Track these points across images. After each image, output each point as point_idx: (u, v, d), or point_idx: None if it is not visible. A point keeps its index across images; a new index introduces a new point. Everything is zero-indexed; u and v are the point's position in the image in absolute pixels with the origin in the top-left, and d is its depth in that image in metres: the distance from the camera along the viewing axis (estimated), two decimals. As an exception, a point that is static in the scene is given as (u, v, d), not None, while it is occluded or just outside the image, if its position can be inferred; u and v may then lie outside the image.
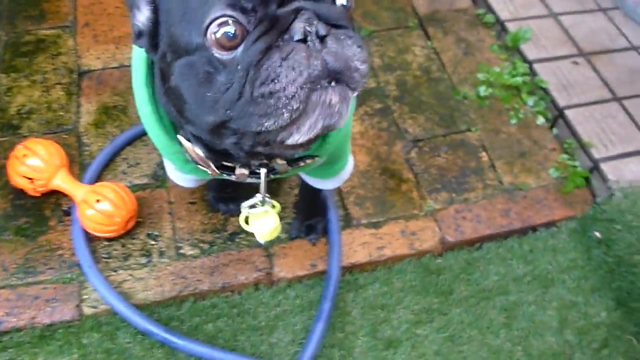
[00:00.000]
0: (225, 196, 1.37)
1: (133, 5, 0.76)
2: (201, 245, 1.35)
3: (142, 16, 0.76)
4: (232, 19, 0.66)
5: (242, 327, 1.25)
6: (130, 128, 1.50)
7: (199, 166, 0.89)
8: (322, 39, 0.66)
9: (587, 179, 1.50)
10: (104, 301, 1.23)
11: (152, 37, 0.76)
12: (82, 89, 1.61)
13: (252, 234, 1.00)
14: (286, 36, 0.66)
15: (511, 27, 1.77)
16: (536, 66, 1.69)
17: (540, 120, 1.62)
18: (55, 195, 1.38)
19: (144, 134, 1.50)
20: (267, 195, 0.96)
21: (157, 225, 1.37)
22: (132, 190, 1.35)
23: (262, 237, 0.99)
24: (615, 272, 1.36)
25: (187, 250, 1.34)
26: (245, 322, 1.26)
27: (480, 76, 1.69)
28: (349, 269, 1.34)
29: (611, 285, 1.36)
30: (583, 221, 1.44)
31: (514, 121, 1.61)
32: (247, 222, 0.98)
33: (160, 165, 1.47)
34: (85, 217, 1.26)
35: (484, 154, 1.56)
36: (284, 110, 0.66)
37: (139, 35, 0.77)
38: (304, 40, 0.65)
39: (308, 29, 0.66)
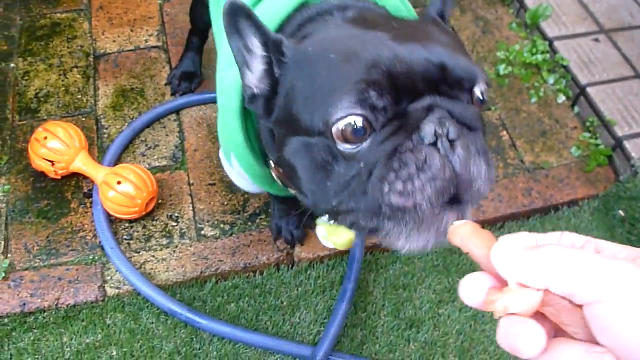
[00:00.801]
0: (289, 224, 1.30)
1: (243, 63, 0.71)
2: (222, 226, 1.35)
3: (254, 79, 0.71)
4: (362, 116, 0.59)
5: (264, 307, 1.26)
6: (148, 111, 1.49)
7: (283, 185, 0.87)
8: (451, 142, 0.58)
9: (609, 157, 1.48)
10: (127, 282, 1.24)
11: (266, 101, 0.72)
12: (98, 72, 1.61)
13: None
14: (415, 136, 0.59)
15: (530, 4, 1.74)
16: (556, 44, 1.66)
17: (561, 98, 1.60)
18: (75, 178, 1.39)
19: (162, 116, 1.50)
20: None
21: (177, 207, 1.37)
22: (151, 172, 1.35)
23: (342, 246, 0.97)
24: (639, 251, 1.34)
25: (208, 231, 1.34)
26: (267, 302, 1.26)
27: (500, 54, 1.66)
28: (369, 250, 1.33)
29: (635, 264, 1.35)
30: (606, 199, 1.42)
31: (534, 100, 1.59)
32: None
33: (179, 147, 1.47)
34: (106, 199, 1.26)
35: (504, 132, 1.54)
36: (406, 222, 0.59)
37: (251, 98, 0.72)
38: (434, 143, 0.58)
39: (439, 130, 0.58)
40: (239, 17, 0.65)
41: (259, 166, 0.87)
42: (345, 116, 0.59)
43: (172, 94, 1.56)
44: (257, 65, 0.70)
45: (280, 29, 0.79)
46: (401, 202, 0.58)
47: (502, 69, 1.63)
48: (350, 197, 0.63)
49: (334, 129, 0.60)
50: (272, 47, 0.68)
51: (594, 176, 1.47)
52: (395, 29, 0.65)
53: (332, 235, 1.02)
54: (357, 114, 0.59)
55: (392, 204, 0.59)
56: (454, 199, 0.59)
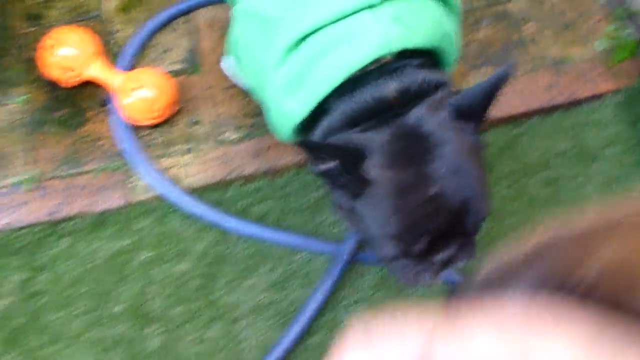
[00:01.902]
0: None
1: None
2: (242, 129, 1.34)
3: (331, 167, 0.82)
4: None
5: (288, 208, 1.28)
6: (159, 13, 1.44)
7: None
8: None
9: (635, 51, 1.44)
10: (152, 188, 1.25)
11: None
12: (102, -28, 1.53)
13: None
14: (430, 261, 0.83)
15: None
16: None
17: (587, -12, 1.52)
18: (90, 86, 1.36)
19: (174, 17, 1.45)
20: None
21: (196, 112, 1.36)
22: (167, 77, 1.33)
23: None
24: (661, 144, 1.34)
25: (229, 135, 1.33)
26: (291, 203, 1.28)
27: (524, -58, 1.57)
28: (390, 150, 1.33)
29: (655, 158, 1.35)
30: (629, 95, 1.40)
31: (558, -10, 1.52)
32: None
33: (193, 51, 1.43)
34: (124, 106, 1.24)
35: (527, 26, 1.49)
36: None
37: (323, 174, 0.84)
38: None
39: (445, 261, 0.84)
40: (313, 151, 0.83)
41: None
42: (393, 257, 0.84)
43: (180, -5, 1.50)
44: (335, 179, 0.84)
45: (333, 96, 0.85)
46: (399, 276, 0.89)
47: (525, -43, 1.54)
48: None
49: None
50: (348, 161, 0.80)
51: (619, 70, 1.44)
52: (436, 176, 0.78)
53: None
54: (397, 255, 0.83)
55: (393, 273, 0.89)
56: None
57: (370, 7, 0.81)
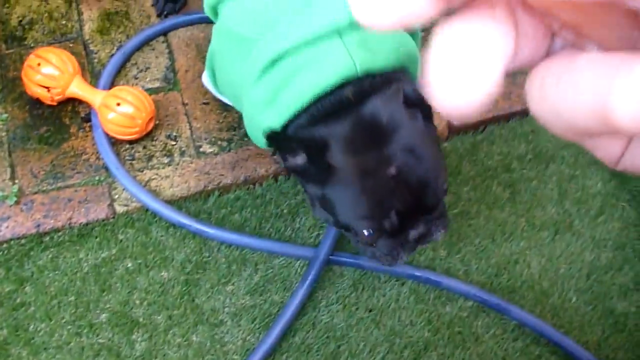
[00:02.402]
0: None
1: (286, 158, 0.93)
2: (219, 142, 1.40)
3: (299, 161, 0.91)
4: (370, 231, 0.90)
5: (266, 216, 1.34)
6: (137, 34, 1.50)
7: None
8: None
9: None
10: (135, 199, 1.30)
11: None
12: (80, -4, 1.59)
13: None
14: (404, 237, 0.91)
15: None
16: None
17: None
18: (71, 103, 1.41)
19: (151, 38, 1.51)
20: None
21: (174, 126, 1.42)
22: (146, 93, 1.39)
23: None
24: (611, 146, 1.44)
25: (207, 148, 1.40)
26: (269, 211, 1.35)
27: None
28: (361, 157, 1.41)
29: (607, 158, 1.45)
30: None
31: None
32: None
33: (170, 69, 1.49)
34: (107, 121, 1.30)
35: (485, 40, 1.59)
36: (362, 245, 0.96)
37: (299, 170, 0.92)
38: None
39: (419, 235, 0.91)
40: (279, 141, 0.93)
41: None
42: (364, 229, 0.90)
43: (158, 16, 1.56)
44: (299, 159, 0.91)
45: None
46: (378, 259, 0.96)
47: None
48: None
49: (353, 229, 0.92)
50: (314, 152, 0.88)
51: (570, 78, 1.55)
52: (396, 162, 0.85)
53: None
54: (371, 231, 0.90)
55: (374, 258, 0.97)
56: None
57: (339, 33, 0.90)
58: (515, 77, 1.38)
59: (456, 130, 1.46)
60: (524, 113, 1.50)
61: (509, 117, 1.49)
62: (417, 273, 1.28)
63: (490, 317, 1.28)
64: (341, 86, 0.90)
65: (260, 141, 1.02)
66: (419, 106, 0.89)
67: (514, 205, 1.39)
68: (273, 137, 0.93)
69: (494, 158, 1.45)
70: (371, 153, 0.86)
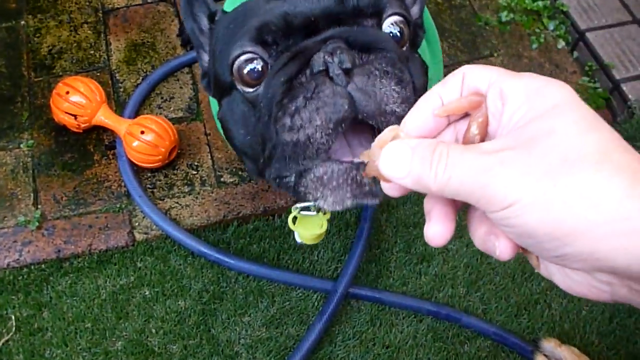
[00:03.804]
0: None
1: (199, 46, 0.79)
2: (240, 173, 1.41)
3: (206, 56, 0.79)
4: (254, 54, 0.62)
5: (285, 247, 1.34)
6: (163, 64, 1.54)
7: None
8: (347, 72, 0.57)
9: (607, 100, 1.55)
10: (155, 227, 1.31)
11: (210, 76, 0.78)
12: (109, 27, 1.63)
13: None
14: (307, 70, 0.58)
15: (530, -49, 1.77)
16: (556, -10, 1.70)
17: (561, 44, 1.65)
18: (95, 131, 1.44)
19: (176, 69, 1.54)
20: None
21: (196, 156, 1.43)
22: (170, 123, 1.41)
23: (305, 240, 0.93)
24: (634, 186, 1.43)
25: (227, 178, 1.41)
26: (287, 242, 1.34)
27: (501, 1, 1.71)
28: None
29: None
30: (603, 140, 1.50)
31: (535, 45, 1.65)
32: (294, 221, 0.92)
33: (194, 99, 1.52)
34: (131, 149, 1.32)
35: (506, 78, 1.60)
36: (300, 152, 0.59)
37: (203, 75, 0.81)
38: (327, 73, 0.57)
39: (329, 59, 0.57)
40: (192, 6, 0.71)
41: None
42: (240, 54, 0.62)
43: (183, 47, 1.60)
44: (206, 44, 0.77)
45: None
46: (292, 137, 0.57)
47: (504, 16, 1.68)
48: (264, 146, 0.62)
49: (236, 75, 0.63)
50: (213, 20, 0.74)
51: (592, 118, 1.54)
52: None
53: (299, 225, 0.92)
54: (249, 51, 0.61)
55: (286, 141, 0.58)
56: (366, 125, 0.58)
57: None
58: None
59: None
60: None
61: (530, 154, 1.49)
62: (437, 309, 1.26)
63: (509, 358, 1.25)
64: None
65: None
66: None
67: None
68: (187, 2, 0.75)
69: (514, 195, 1.43)
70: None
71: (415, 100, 0.43)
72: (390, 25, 0.62)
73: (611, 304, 1.31)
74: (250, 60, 0.62)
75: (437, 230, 0.42)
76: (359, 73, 0.57)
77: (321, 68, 0.57)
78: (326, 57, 0.57)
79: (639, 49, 1.59)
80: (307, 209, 0.88)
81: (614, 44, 1.59)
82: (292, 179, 0.63)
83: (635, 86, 1.51)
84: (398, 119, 0.56)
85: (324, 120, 0.56)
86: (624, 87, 1.51)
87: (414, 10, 0.74)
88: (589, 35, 1.61)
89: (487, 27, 1.68)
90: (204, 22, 0.75)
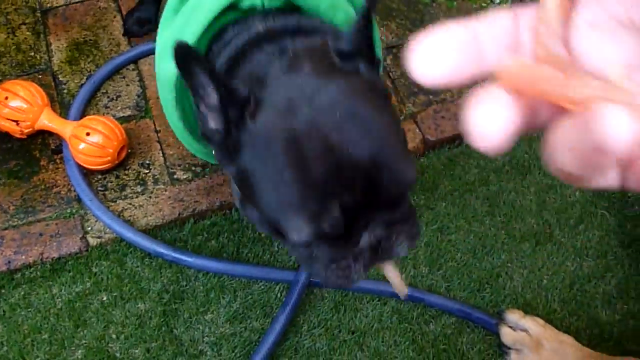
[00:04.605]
0: None
1: (199, 101, 0.69)
2: (193, 168, 1.38)
3: (215, 124, 0.70)
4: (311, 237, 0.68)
5: (244, 241, 1.32)
6: (107, 62, 1.49)
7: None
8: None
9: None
10: (108, 231, 1.28)
11: (222, 142, 0.72)
12: (48, 27, 1.58)
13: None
14: (354, 244, 0.70)
15: None
16: (501, -37, 1.70)
17: (508, 16, 1.65)
18: (40, 136, 1.39)
19: (121, 66, 1.50)
20: None
21: (147, 154, 1.40)
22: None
23: None
24: (587, 154, 1.44)
25: (181, 174, 1.38)
26: (246, 235, 1.33)
27: (448, -22, 1.70)
28: (338, 177, 1.40)
29: (583, 167, 1.46)
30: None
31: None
32: None
33: (141, 96, 1.48)
34: (78, 152, 1.28)
35: (456, 54, 1.60)
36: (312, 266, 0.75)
37: (210, 135, 0.72)
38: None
39: (375, 243, 0.70)
40: (189, 63, 0.63)
41: (200, 146, 0.95)
42: (300, 241, 0.68)
43: (124, 35, 1.55)
44: (213, 114, 0.69)
45: (208, 46, 0.80)
46: (331, 280, 0.73)
47: (450, -8, 1.67)
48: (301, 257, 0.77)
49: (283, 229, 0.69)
50: (231, 102, 0.67)
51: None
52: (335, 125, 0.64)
53: None
54: (308, 240, 0.68)
55: (325, 280, 0.74)
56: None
57: None
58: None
59: (432, 145, 1.45)
60: (499, 125, 1.50)
61: (484, 129, 1.49)
62: (399, 292, 1.26)
63: (475, 333, 1.26)
64: (249, 17, 0.77)
65: (168, 108, 0.88)
66: (359, 56, 0.69)
67: (493, 218, 1.39)
68: (182, 56, 0.61)
69: (471, 172, 1.44)
70: (299, 112, 0.64)
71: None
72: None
73: (571, 272, 1.33)
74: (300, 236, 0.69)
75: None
76: (386, 244, 0.72)
77: (368, 247, 0.70)
78: (374, 243, 0.70)
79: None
80: None
81: (560, 14, 1.60)
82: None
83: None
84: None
85: (356, 275, 0.72)
86: (572, 56, 1.52)
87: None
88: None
89: (433, 4, 1.67)
90: (209, 92, 0.67)
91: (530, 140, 1.49)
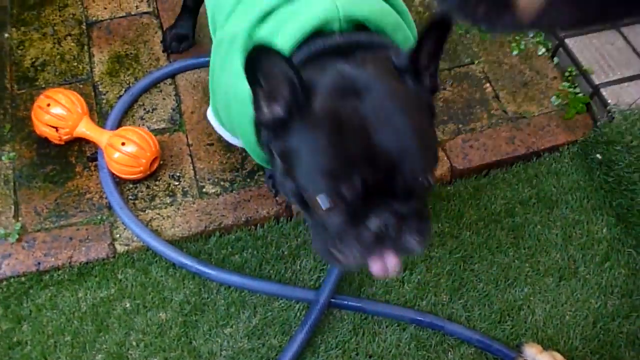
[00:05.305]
0: None
1: (262, 101, 0.83)
2: (222, 183, 1.41)
3: (275, 112, 0.83)
4: (330, 199, 0.78)
5: (267, 257, 1.33)
6: (145, 76, 1.54)
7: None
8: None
9: (587, 105, 1.56)
10: (136, 239, 1.30)
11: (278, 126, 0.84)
12: (92, 39, 1.64)
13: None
14: (363, 226, 0.78)
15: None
16: (536, -3, 1.71)
17: (541, 50, 1.66)
18: (77, 143, 1.44)
19: (159, 80, 1.55)
20: None
21: (178, 167, 1.43)
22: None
23: None
24: (616, 191, 1.43)
25: (209, 188, 1.40)
26: (269, 252, 1.34)
27: (482, 10, 1.71)
28: (364, 200, 1.41)
29: (612, 204, 1.44)
30: (584, 145, 1.51)
31: (515, 52, 1.66)
32: None
33: (176, 110, 1.52)
34: (112, 160, 1.31)
35: (487, 85, 1.61)
36: (335, 254, 0.82)
37: (262, 124, 0.87)
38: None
39: (383, 229, 0.78)
40: (267, 53, 0.74)
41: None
42: (320, 196, 0.78)
43: (164, 51, 1.60)
44: (277, 103, 0.82)
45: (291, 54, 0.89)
46: (333, 250, 0.82)
47: (484, 23, 1.68)
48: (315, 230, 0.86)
49: (312, 200, 0.80)
50: (300, 95, 0.79)
51: (573, 123, 1.55)
52: (373, 118, 0.77)
53: None
54: (327, 199, 0.78)
55: (333, 254, 0.82)
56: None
57: None
58: (518, 122, 1.38)
59: (459, 174, 1.46)
60: (527, 157, 1.50)
61: (513, 161, 1.49)
62: (420, 317, 1.25)
63: (493, 365, 1.25)
64: (329, 34, 0.88)
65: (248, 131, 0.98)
66: (409, 72, 0.82)
67: (517, 250, 1.38)
68: (256, 57, 0.75)
69: (497, 202, 1.44)
70: (350, 106, 0.78)
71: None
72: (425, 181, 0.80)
73: (595, 309, 1.31)
74: (324, 200, 0.79)
75: None
76: (395, 234, 0.80)
77: (376, 231, 0.78)
78: (382, 227, 0.78)
79: (617, 54, 1.60)
80: None
81: (593, 50, 1.60)
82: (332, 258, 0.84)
83: (615, 90, 1.52)
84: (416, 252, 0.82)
85: (364, 257, 0.81)
86: (604, 92, 1.51)
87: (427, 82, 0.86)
88: (568, 41, 1.62)
89: (467, 35, 1.69)
90: (282, 87, 0.80)
91: (557, 174, 1.48)
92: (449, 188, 1.45)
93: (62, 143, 1.41)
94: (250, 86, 0.81)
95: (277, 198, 1.38)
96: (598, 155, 1.46)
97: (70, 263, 1.29)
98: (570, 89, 1.58)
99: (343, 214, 0.79)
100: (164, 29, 1.65)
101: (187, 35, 1.60)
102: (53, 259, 1.29)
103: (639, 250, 1.39)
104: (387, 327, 1.27)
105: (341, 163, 0.76)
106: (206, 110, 1.35)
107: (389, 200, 0.78)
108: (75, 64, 1.59)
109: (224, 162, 1.45)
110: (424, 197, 0.83)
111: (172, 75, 1.57)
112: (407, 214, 0.79)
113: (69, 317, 1.24)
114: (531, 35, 1.68)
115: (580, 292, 1.33)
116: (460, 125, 1.53)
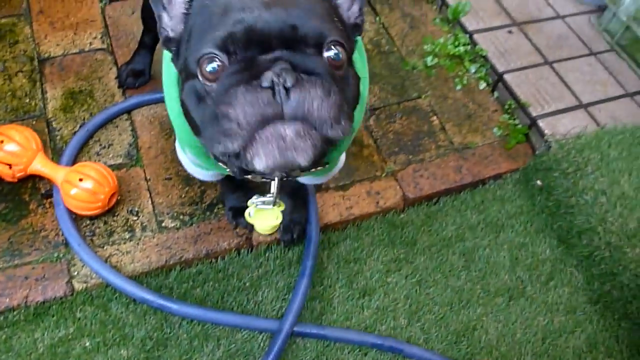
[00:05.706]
0: (242, 208, 1.29)
1: (160, 7, 0.85)
2: (181, 217, 1.42)
3: (168, 20, 0.86)
4: (217, 56, 0.76)
5: (229, 289, 1.35)
6: (101, 111, 1.54)
7: (219, 163, 0.94)
8: (287, 90, 0.72)
9: (526, 135, 1.67)
10: (94, 276, 1.29)
11: (177, 47, 0.87)
12: (45, 75, 1.63)
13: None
14: (256, 82, 0.73)
15: (451, 1, 1.92)
16: (476, 36, 1.84)
17: (482, 85, 1.78)
18: (31, 180, 1.41)
19: (115, 116, 1.55)
20: (277, 195, 1.07)
21: (136, 202, 1.43)
22: (109, 169, 1.40)
23: (262, 230, 1.08)
24: (556, 214, 1.53)
25: (169, 222, 1.41)
26: (231, 284, 1.35)
27: (427, 47, 1.82)
28: (322, 229, 1.45)
29: (553, 226, 1.54)
30: (525, 172, 1.61)
31: (459, 87, 1.76)
32: (250, 214, 1.09)
33: (133, 145, 1.52)
34: (69, 197, 1.30)
35: (434, 118, 1.70)
36: (235, 133, 0.73)
37: (166, 40, 0.88)
38: (272, 88, 0.72)
39: (276, 80, 0.71)
40: None
41: (194, 138, 0.95)
42: (206, 54, 0.76)
43: (119, 87, 1.61)
44: (177, 10, 0.85)
45: None
46: (230, 126, 0.73)
47: (429, 60, 1.79)
48: (213, 127, 0.77)
49: (200, 68, 0.77)
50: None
51: (515, 152, 1.66)
52: None
53: (256, 217, 1.07)
54: (213, 53, 0.76)
55: (225, 129, 0.74)
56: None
57: None
58: (464, 152, 1.46)
59: (411, 202, 1.52)
60: (474, 185, 1.59)
61: (460, 189, 1.57)
62: (380, 341, 1.29)
63: (452, 386, 1.29)
64: None
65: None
66: None
67: (469, 272, 1.45)
68: None
69: (448, 228, 1.51)
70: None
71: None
72: (330, 49, 0.77)
73: (543, 326, 1.39)
74: (212, 60, 0.76)
75: None
76: (295, 91, 0.72)
77: (269, 85, 0.72)
78: (274, 77, 0.72)
79: (551, 88, 1.73)
80: (263, 202, 1.08)
81: (530, 84, 1.73)
82: (219, 149, 0.76)
83: (550, 122, 1.64)
84: (330, 123, 0.73)
85: (253, 113, 0.72)
86: (541, 123, 1.63)
87: (354, 9, 0.87)
88: (506, 76, 1.74)
89: (414, 71, 1.79)
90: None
91: (502, 200, 1.57)
92: (402, 216, 1.51)
93: (15, 181, 1.39)
94: (156, 11, 0.85)
95: (237, 230, 1.40)
96: (538, 182, 1.57)
97: (26, 303, 1.26)
98: (510, 121, 1.70)
99: (234, 73, 0.75)
100: (119, 65, 1.66)
101: (143, 71, 1.62)
102: (7, 300, 1.25)
103: (580, 269, 1.49)
104: (349, 352, 1.30)
105: (226, 24, 0.75)
106: (164, 147, 1.37)
107: (283, 54, 0.74)
108: (28, 100, 1.57)
109: (183, 195, 1.46)
110: (332, 74, 0.77)
111: (129, 111, 1.58)
112: (307, 71, 0.74)
113: (25, 359, 1.20)
114: (473, 70, 1.80)
115: (529, 311, 1.41)
116: (410, 156, 1.60)
